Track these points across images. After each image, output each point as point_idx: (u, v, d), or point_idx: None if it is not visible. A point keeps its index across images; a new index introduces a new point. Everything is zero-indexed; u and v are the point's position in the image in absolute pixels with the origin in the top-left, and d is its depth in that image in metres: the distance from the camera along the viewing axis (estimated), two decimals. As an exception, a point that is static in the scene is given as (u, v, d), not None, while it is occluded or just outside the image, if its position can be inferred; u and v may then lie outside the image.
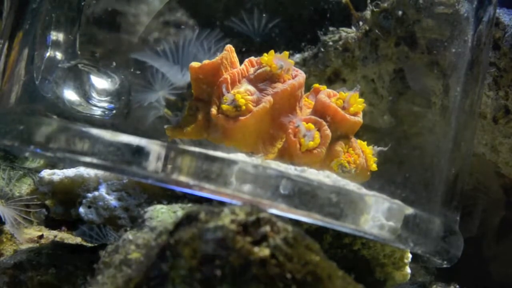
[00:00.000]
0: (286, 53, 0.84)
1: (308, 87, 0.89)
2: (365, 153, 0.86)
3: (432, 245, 0.75)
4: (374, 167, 0.86)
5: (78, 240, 1.07)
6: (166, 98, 1.03)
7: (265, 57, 0.84)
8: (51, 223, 1.09)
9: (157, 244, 0.60)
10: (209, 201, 0.63)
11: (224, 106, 0.80)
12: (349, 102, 0.84)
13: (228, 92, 0.81)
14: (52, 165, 1.13)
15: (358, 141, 0.87)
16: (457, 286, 0.89)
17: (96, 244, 1.02)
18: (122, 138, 0.67)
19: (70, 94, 0.95)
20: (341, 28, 1.10)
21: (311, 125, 0.81)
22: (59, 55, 0.93)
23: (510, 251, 1.20)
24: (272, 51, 0.84)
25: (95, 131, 0.67)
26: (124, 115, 1.00)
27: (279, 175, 0.65)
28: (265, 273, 0.50)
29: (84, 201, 0.85)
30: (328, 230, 0.77)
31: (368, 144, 0.88)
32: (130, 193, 0.86)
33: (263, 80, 0.83)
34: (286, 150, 0.82)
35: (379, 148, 0.87)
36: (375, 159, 0.87)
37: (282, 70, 0.83)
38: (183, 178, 0.64)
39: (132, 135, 0.67)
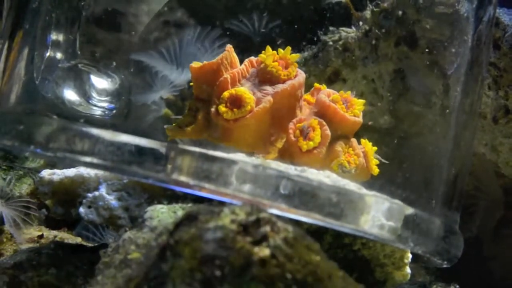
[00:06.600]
0: (289, 48, 0.84)
1: (308, 87, 0.89)
2: (367, 154, 0.85)
3: (432, 245, 0.75)
4: (376, 170, 0.86)
5: (78, 240, 1.07)
6: (166, 98, 1.03)
7: (263, 55, 0.83)
8: (51, 223, 1.09)
9: (157, 244, 0.60)
10: (209, 201, 0.63)
11: (222, 108, 0.80)
12: (351, 103, 0.84)
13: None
14: (52, 165, 1.13)
15: (363, 140, 0.86)
16: (457, 286, 0.89)
17: (96, 244, 1.02)
18: (122, 138, 0.67)
19: (70, 94, 0.95)
20: (341, 28, 1.10)
21: (313, 121, 0.81)
22: (59, 55, 0.93)
23: (510, 251, 1.20)
24: (268, 48, 0.83)
25: (95, 131, 0.67)
26: (124, 115, 1.00)
27: (279, 175, 0.65)
28: (265, 273, 0.50)
29: (84, 201, 0.85)
30: (328, 230, 0.77)
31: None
32: (130, 193, 0.86)
33: (263, 80, 0.83)
34: (286, 150, 0.82)
35: (378, 157, 0.87)
36: (377, 161, 0.87)
37: (282, 70, 0.82)
38: (183, 178, 0.64)
39: (132, 135, 0.67)
